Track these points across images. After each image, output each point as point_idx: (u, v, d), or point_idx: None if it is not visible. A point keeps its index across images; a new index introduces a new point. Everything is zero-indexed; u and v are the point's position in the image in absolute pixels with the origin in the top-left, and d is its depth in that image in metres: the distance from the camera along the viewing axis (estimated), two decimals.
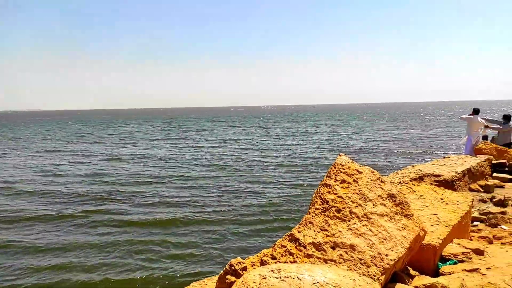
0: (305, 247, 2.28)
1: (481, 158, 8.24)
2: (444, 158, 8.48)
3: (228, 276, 2.10)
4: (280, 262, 2.17)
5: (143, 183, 16.87)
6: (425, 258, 3.25)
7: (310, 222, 2.43)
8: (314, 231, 2.38)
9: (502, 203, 5.89)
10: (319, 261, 2.20)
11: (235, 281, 2.04)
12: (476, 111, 10.70)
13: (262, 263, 2.19)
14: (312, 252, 2.26)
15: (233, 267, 2.13)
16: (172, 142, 36.87)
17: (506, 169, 8.28)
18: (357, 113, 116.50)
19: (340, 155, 2.90)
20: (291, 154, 25.42)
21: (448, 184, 6.39)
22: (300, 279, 1.60)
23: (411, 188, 4.63)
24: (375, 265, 2.21)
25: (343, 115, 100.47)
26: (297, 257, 2.21)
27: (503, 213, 5.26)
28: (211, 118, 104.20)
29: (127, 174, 19.14)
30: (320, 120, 77.72)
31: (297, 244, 2.30)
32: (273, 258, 2.23)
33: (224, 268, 2.16)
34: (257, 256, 2.28)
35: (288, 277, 1.63)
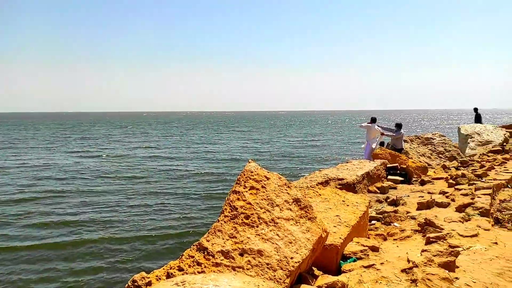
0: (213, 256, 2.24)
1: (378, 162, 9.06)
2: (347, 162, 9.15)
3: None
4: (187, 274, 2.10)
5: (34, 199, 14.44)
6: (329, 258, 3.44)
7: (219, 230, 2.41)
8: (223, 239, 2.36)
9: (394, 202, 6.55)
10: (227, 269, 2.18)
11: None
12: (373, 120, 11.83)
13: (169, 276, 2.10)
14: (221, 260, 2.23)
15: (136, 283, 2.00)
16: (72, 150, 33.19)
17: (398, 171, 9.23)
18: (274, 120, 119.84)
19: (249, 162, 2.94)
20: (204, 163, 25.12)
21: (350, 186, 6.91)
22: None
23: (317, 192, 4.89)
24: (281, 268, 2.27)
25: (258, 122, 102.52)
26: (205, 266, 2.17)
27: (396, 211, 5.85)
28: (119, 123, 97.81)
29: (13, 189, 16.26)
30: (236, 127, 78.33)
31: (206, 253, 2.25)
32: (180, 269, 2.15)
33: (126, 285, 2.02)
34: (163, 269, 2.18)
35: None
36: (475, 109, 18.08)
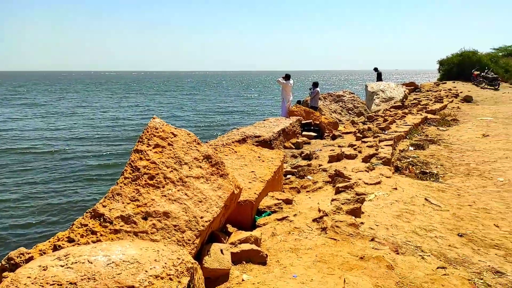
0: (111, 222, 2.00)
1: (293, 119, 9.28)
2: (264, 120, 9.22)
3: (5, 274, 1.67)
4: (79, 244, 1.85)
5: None
6: (244, 213, 3.40)
7: (118, 194, 2.16)
8: (123, 203, 2.12)
9: (308, 157, 6.78)
10: (128, 235, 1.97)
11: None
12: (288, 77, 11.92)
13: (55, 248, 1.82)
14: (120, 226, 2.01)
15: (12, 261, 1.70)
16: None
17: (312, 127, 9.60)
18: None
19: (154, 118, 2.67)
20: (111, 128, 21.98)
21: (266, 143, 6.98)
22: (92, 262, 1.35)
23: (233, 149, 4.79)
24: (190, 229, 2.12)
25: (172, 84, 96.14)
26: (101, 235, 1.93)
27: (309, 165, 6.06)
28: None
29: None
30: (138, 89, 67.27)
31: (102, 220, 2.01)
32: (71, 240, 1.89)
33: (0, 264, 1.70)
34: (49, 241, 1.89)
35: (76, 262, 1.35)
36: (375, 69, 19.31)
